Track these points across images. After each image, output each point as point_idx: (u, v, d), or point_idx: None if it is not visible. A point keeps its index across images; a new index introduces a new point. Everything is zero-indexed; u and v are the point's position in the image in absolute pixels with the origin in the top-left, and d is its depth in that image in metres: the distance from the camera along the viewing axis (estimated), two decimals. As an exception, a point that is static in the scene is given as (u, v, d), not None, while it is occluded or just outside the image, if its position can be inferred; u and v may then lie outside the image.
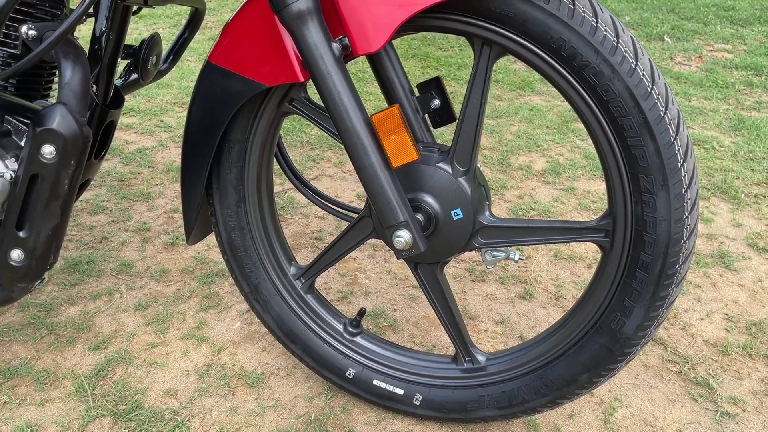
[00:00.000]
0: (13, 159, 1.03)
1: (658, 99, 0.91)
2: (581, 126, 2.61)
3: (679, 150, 0.92)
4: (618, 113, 0.92)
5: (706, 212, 2.01)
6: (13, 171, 1.02)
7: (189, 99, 2.84)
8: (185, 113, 2.74)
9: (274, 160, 1.28)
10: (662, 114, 0.91)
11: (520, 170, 2.28)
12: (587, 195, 2.11)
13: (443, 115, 1.17)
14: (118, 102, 1.19)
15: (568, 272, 1.73)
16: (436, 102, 1.15)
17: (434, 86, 1.15)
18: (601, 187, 2.14)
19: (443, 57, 3.41)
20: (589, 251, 1.81)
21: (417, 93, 1.17)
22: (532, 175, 2.25)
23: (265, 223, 1.25)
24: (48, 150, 0.95)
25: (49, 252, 1.02)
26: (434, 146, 1.11)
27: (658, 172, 0.93)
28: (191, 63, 3.33)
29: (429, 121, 1.19)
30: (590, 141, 1.94)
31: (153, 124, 2.62)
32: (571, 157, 2.36)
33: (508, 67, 3.28)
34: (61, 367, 1.36)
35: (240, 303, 1.58)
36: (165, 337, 1.47)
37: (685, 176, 0.93)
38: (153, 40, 1.23)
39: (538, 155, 2.39)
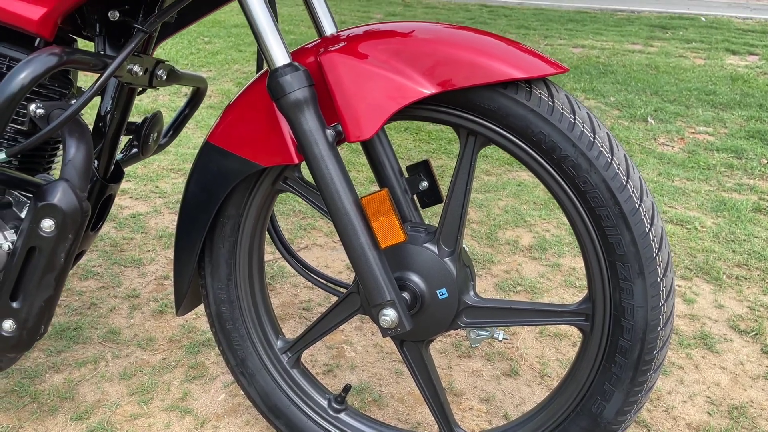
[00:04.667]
0: (12, 230, 1.06)
1: (633, 191, 0.96)
2: (567, 203, 2.67)
3: (653, 240, 0.97)
4: (595, 203, 0.97)
5: (688, 293, 2.05)
6: (11, 242, 1.04)
7: (185, 165, 2.90)
8: (181, 179, 2.80)
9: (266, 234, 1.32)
10: (637, 206, 0.96)
11: (508, 245, 2.32)
12: (572, 272, 2.15)
13: (431, 197, 1.21)
14: (117, 176, 1.23)
15: (553, 350, 1.74)
16: (425, 184, 1.21)
17: (423, 169, 1.21)
18: (586, 264, 2.18)
19: (434, 131, 3.52)
20: (573, 329, 1.83)
21: (406, 174, 1.22)
22: (519, 250, 2.29)
23: (255, 297, 1.27)
24: (48, 224, 0.98)
25: (41, 323, 1.03)
26: (422, 226, 1.15)
27: (635, 261, 0.97)
28: (189, 130, 3.41)
29: (417, 202, 1.23)
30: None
31: (148, 189, 2.67)
32: (557, 233, 2.41)
33: (497, 143, 3.38)
34: (41, 437, 1.35)
35: (225, 374, 1.58)
36: (148, 408, 1.46)
37: (660, 265, 0.97)
38: (155, 118, 1.28)
39: (525, 230, 2.44)
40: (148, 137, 1.27)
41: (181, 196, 2.58)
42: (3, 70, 1.04)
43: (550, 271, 2.15)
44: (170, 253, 2.17)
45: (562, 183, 0.99)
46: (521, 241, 2.35)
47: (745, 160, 3.18)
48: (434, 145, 3.33)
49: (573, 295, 2.02)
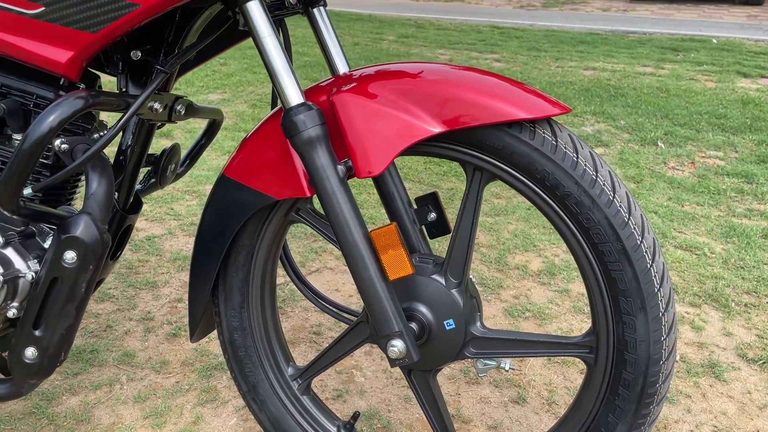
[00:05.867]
0: (35, 260, 1.10)
1: (634, 228, 0.99)
2: (577, 227, 2.69)
3: (655, 276, 0.99)
4: (598, 240, 1.00)
5: (697, 320, 2.05)
6: (35, 272, 1.09)
7: (199, 187, 2.96)
8: (195, 201, 2.85)
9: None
10: (639, 242, 0.99)
11: (517, 270, 2.34)
12: (581, 298, 2.16)
13: (439, 228, 1.25)
14: (136, 207, 1.27)
15: (561, 377, 1.76)
16: (433, 215, 1.24)
17: (431, 201, 1.24)
18: (594, 290, 2.19)
19: (445, 154, 3.55)
20: (581, 356, 1.84)
21: (415, 206, 1.26)
22: (528, 275, 2.31)
23: (267, 325, 1.30)
24: (70, 256, 1.02)
25: (61, 350, 1.07)
26: (429, 258, 1.18)
27: (637, 296, 0.99)
28: (203, 153, 3.46)
29: (425, 232, 1.27)
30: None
31: (163, 211, 2.72)
32: (567, 258, 2.43)
33: (507, 166, 3.40)
34: (57, 459, 1.38)
35: (237, 398, 1.61)
36: (162, 431, 1.49)
37: (662, 300, 1.00)
38: (173, 150, 1.33)
39: (535, 255, 2.46)
40: (167, 168, 1.31)
41: (195, 219, 2.63)
42: (30, 107, 1.09)
43: (559, 296, 2.17)
44: (184, 276, 2.21)
45: (566, 219, 1.02)
46: (530, 266, 2.37)
47: (756, 185, 3.18)
48: (444, 167, 3.37)
49: (581, 322, 2.03)
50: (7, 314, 1.09)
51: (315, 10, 1.22)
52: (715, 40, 6.56)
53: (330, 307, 1.43)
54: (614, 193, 0.99)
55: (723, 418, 1.61)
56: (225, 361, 1.32)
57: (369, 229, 1.05)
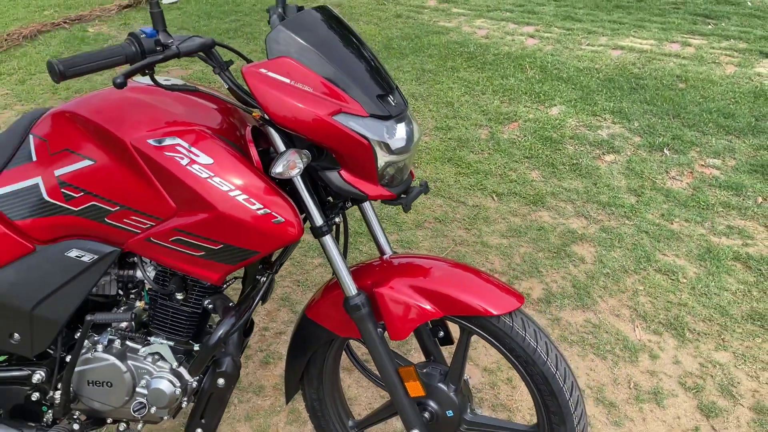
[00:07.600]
0: (187, 371, 1.81)
1: (564, 388, 1.64)
2: (577, 249, 3.28)
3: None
4: (545, 393, 1.66)
5: (656, 348, 2.68)
6: (196, 380, 1.81)
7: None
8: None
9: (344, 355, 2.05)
10: (561, 385, 1.64)
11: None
12: (568, 327, 2.80)
13: (445, 340, 1.91)
14: (250, 329, 1.97)
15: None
16: (441, 333, 1.90)
17: (440, 323, 1.90)
18: (580, 318, 2.83)
19: (473, 162, 4.11)
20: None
21: (430, 325, 1.91)
22: (529, 302, 2.95)
23: (334, 395, 2.02)
24: (221, 382, 1.74)
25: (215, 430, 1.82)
26: (437, 367, 1.85)
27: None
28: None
29: (437, 342, 1.93)
30: (581, 270, 2.70)
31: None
32: (563, 284, 3.05)
33: (525, 176, 3.96)
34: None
35: (313, 420, 2.37)
36: (267, 447, 2.27)
37: None
38: (272, 282, 2.00)
39: (537, 281, 3.08)
40: (267, 295, 1.99)
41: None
42: (188, 281, 1.76)
43: (551, 324, 2.82)
44: (268, 305, 2.94)
45: (525, 375, 1.67)
46: (533, 293, 3.00)
47: (743, 198, 3.66)
48: (472, 180, 3.94)
49: (564, 351, 2.68)
50: (181, 406, 1.83)
51: (364, 204, 1.84)
52: (750, 2, 6.64)
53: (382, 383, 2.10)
54: (557, 370, 1.63)
55: (650, 442, 2.29)
56: (308, 418, 2.05)
57: (398, 366, 1.72)
